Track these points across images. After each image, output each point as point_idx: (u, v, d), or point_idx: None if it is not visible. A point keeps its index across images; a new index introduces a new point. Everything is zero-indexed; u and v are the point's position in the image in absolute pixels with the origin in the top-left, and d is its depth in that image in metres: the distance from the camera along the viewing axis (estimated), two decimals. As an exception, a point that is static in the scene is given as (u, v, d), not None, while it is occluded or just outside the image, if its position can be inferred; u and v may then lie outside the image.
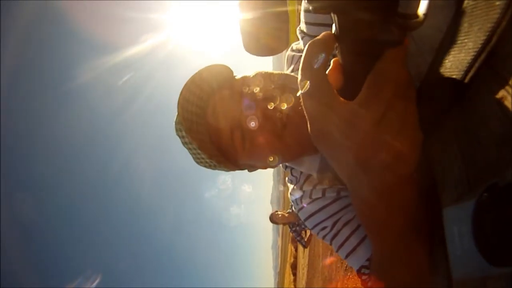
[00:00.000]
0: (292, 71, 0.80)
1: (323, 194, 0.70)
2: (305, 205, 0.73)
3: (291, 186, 0.79)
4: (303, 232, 5.37)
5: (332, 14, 0.35)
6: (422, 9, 0.41)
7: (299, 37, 0.77)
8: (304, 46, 0.75)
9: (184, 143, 0.68)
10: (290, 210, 4.79)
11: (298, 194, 0.75)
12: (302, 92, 0.41)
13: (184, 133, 0.65)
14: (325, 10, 0.34)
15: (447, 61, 0.41)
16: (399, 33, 0.33)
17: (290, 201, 0.79)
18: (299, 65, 0.75)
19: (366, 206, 0.41)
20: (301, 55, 0.78)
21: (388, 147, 0.36)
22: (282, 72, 0.70)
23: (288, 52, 0.83)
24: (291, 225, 4.89)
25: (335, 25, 0.36)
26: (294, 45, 0.82)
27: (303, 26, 0.73)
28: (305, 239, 5.98)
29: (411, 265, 0.44)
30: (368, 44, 0.36)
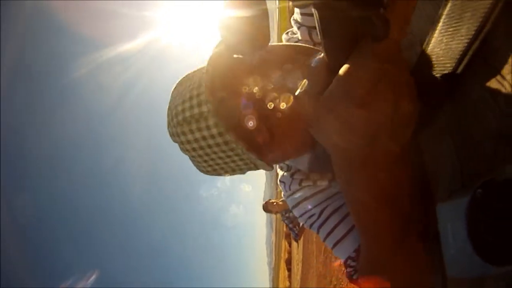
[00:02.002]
0: None
1: (314, 182, 0.68)
2: (294, 192, 0.70)
3: (281, 172, 0.77)
4: (298, 223, 5.32)
5: (313, 9, 0.34)
6: None
7: (295, 27, 0.75)
8: (302, 36, 0.75)
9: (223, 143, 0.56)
10: (284, 198, 4.74)
11: (287, 181, 0.72)
12: (300, 91, 0.41)
13: (227, 133, 0.54)
14: (305, 5, 0.33)
15: (438, 49, 0.40)
16: (383, 26, 0.32)
17: (280, 187, 0.76)
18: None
19: (362, 206, 0.40)
20: (297, 41, 0.76)
21: (381, 146, 0.36)
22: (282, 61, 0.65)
23: (284, 36, 0.80)
24: (284, 212, 4.83)
25: (316, 21, 0.35)
26: (290, 32, 0.80)
27: (298, 16, 0.71)
28: (297, 231, 5.92)
29: (409, 264, 0.43)
30: (352, 39, 0.35)
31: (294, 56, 0.56)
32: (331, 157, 0.40)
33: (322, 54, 0.42)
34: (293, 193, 0.70)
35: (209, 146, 0.56)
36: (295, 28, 0.75)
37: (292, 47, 0.62)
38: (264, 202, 4.90)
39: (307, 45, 0.61)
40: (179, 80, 0.64)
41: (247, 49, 0.38)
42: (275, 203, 4.85)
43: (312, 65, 0.42)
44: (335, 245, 0.62)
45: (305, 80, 0.42)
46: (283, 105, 0.53)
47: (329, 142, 0.39)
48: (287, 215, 4.87)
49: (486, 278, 0.34)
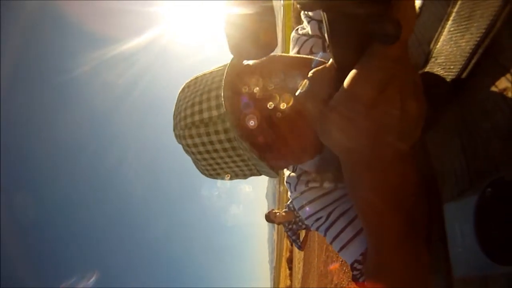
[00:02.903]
0: (297, 53, 0.78)
1: (321, 184, 0.68)
2: (300, 193, 0.70)
3: (287, 173, 0.76)
4: (299, 232, 5.26)
5: (321, 11, 0.34)
6: (417, 2, 0.40)
7: (305, 21, 0.76)
8: (312, 31, 0.75)
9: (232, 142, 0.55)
10: (287, 209, 4.71)
11: (294, 181, 0.71)
12: (301, 92, 0.41)
13: (235, 132, 0.54)
14: (313, 7, 0.33)
15: (447, 47, 0.40)
16: (394, 28, 0.32)
17: (286, 187, 0.76)
18: (303, 49, 0.74)
19: (368, 206, 0.40)
20: (307, 39, 0.77)
21: (386, 145, 0.37)
22: (286, 58, 0.65)
23: (293, 34, 0.81)
24: (287, 224, 4.79)
25: (325, 22, 0.35)
26: (299, 28, 0.80)
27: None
28: (301, 240, 5.86)
29: (412, 265, 0.43)
30: (361, 40, 0.35)
31: (298, 68, 0.56)
32: (339, 158, 0.40)
33: (321, 55, 0.43)
34: (300, 194, 0.70)
35: (216, 151, 0.56)
36: (305, 23, 0.75)
37: (296, 59, 0.62)
38: (267, 212, 4.87)
39: (312, 57, 0.62)
40: (187, 82, 0.64)
41: (250, 47, 0.38)
42: (278, 213, 4.82)
43: (314, 65, 0.43)
44: (341, 248, 0.61)
45: (305, 80, 0.42)
46: (283, 106, 0.53)
47: (336, 143, 0.40)
48: (290, 226, 4.81)
49: (490, 277, 0.34)
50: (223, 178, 0.65)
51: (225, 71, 0.56)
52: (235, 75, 0.56)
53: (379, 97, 0.35)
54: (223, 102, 0.53)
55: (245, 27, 0.36)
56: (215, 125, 0.54)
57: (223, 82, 0.54)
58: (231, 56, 0.58)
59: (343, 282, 3.54)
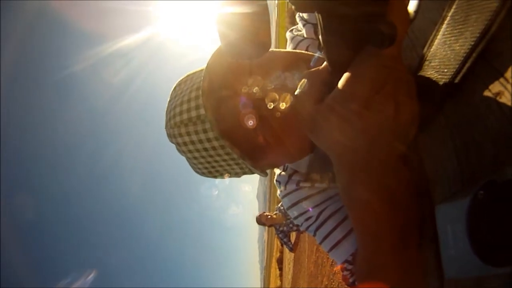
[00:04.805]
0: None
1: (312, 184, 0.67)
2: (290, 192, 0.70)
3: (277, 172, 0.76)
4: (290, 234, 5.26)
5: (315, 13, 0.34)
6: (412, 6, 0.41)
7: (300, 24, 0.77)
8: (307, 34, 0.75)
9: (219, 147, 0.56)
10: (278, 211, 4.70)
11: (284, 180, 0.71)
12: (299, 91, 0.41)
13: (219, 137, 0.54)
14: (307, 8, 0.33)
15: (441, 50, 0.40)
16: (389, 30, 0.32)
17: (276, 186, 0.76)
18: (299, 48, 0.75)
19: (363, 205, 0.40)
20: (302, 39, 0.77)
21: (381, 145, 0.37)
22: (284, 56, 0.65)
23: (288, 33, 0.82)
24: (278, 226, 4.77)
25: (318, 23, 0.35)
26: (294, 29, 0.81)
27: (304, 13, 0.72)
28: (291, 244, 5.85)
29: (408, 266, 0.43)
30: (355, 41, 0.35)
31: (295, 63, 0.57)
32: (332, 159, 0.41)
33: (319, 55, 0.43)
34: (289, 193, 0.69)
35: (205, 149, 0.56)
36: (300, 25, 0.76)
37: (293, 54, 0.62)
38: (258, 215, 4.85)
39: (309, 52, 0.62)
40: (179, 80, 0.64)
41: (248, 46, 0.38)
42: (269, 216, 4.80)
43: (313, 62, 0.43)
44: (331, 248, 0.61)
45: (304, 80, 0.42)
46: (282, 105, 0.53)
47: (330, 143, 0.40)
48: (281, 229, 4.80)
49: (483, 279, 0.34)
50: (216, 177, 0.65)
51: (205, 66, 0.55)
52: (231, 73, 0.56)
53: (374, 97, 0.35)
54: (201, 100, 0.53)
55: (241, 26, 0.36)
56: (203, 123, 0.54)
57: (203, 77, 0.54)
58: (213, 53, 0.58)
59: (333, 283, 3.56)
